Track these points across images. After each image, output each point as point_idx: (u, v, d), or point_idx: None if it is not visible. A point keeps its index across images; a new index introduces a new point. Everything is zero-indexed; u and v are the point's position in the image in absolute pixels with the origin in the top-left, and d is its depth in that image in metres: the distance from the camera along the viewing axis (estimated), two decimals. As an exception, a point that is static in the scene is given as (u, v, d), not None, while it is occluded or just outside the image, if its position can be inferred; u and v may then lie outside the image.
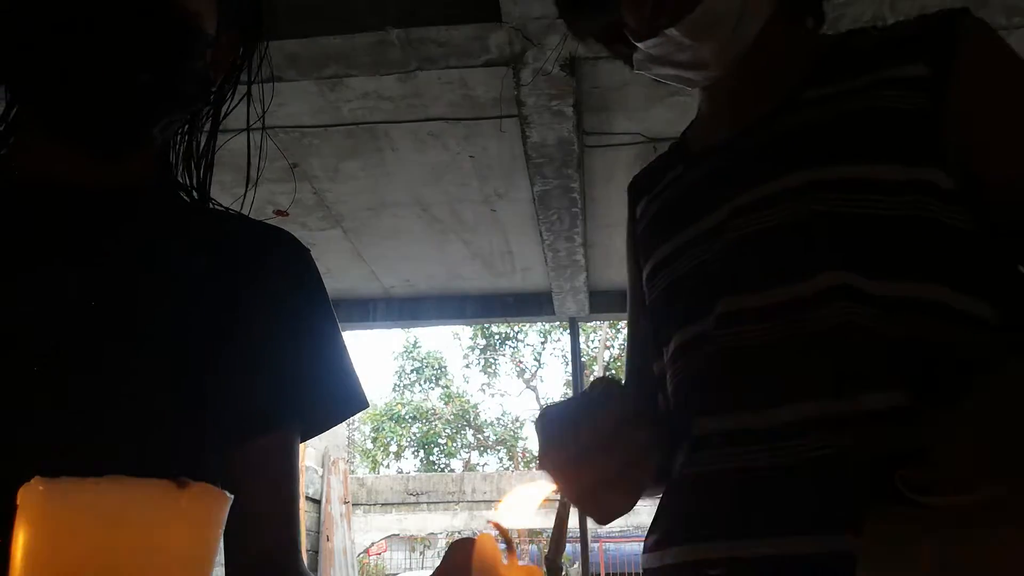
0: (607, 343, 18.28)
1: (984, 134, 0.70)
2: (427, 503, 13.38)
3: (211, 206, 0.81)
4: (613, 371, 18.06)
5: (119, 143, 0.71)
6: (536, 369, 20.27)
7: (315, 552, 9.13)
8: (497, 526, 0.44)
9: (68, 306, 0.66)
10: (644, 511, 0.84)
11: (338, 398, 0.78)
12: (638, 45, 0.80)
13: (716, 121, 0.86)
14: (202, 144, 0.82)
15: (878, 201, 0.69)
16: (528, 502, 0.47)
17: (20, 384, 0.63)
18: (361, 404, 0.79)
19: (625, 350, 1.00)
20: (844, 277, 0.68)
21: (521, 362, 20.39)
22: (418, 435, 20.07)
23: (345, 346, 0.80)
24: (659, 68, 0.82)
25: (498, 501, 0.46)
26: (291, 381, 0.74)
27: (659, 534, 0.80)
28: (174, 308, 0.70)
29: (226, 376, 0.70)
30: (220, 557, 0.71)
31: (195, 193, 0.81)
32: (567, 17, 0.89)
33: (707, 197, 0.79)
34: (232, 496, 0.39)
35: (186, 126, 0.81)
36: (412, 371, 20.80)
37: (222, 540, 0.71)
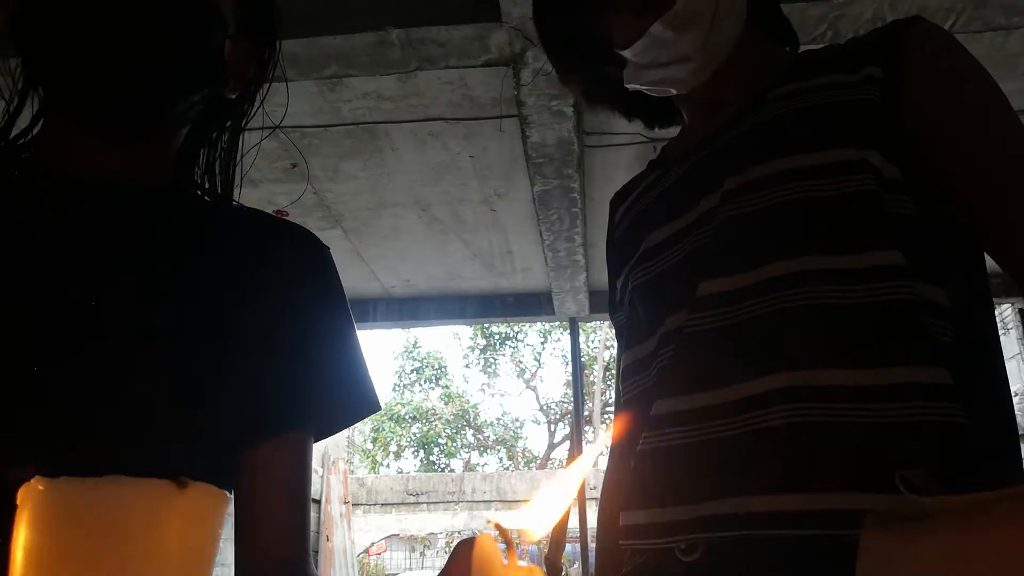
0: (607, 343, 18.28)
1: (934, 128, 0.74)
2: (427, 503, 13.37)
3: (232, 204, 0.81)
4: (613, 371, 18.06)
5: (137, 124, 0.71)
6: (536, 369, 20.28)
7: (315, 552, 9.13)
8: (497, 526, 0.44)
9: (69, 305, 0.66)
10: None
11: (351, 400, 0.78)
12: (625, 53, 0.86)
13: (692, 129, 0.93)
14: (225, 146, 0.82)
15: (836, 182, 0.73)
16: (549, 508, 0.46)
17: (20, 384, 0.63)
18: (373, 407, 0.79)
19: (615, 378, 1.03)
20: (806, 262, 0.71)
21: (521, 362, 20.40)
22: (418, 435, 20.07)
23: (360, 347, 0.79)
24: (647, 74, 0.88)
25: (520, 502, 0.45)
26: (305, 382, 0.74)
27: (625, 498, 0.83)
28: (181, 306, 0.70)
29: (237, 375, 0.70)
30: (222, 557, 0.71)
31: (217, 190, 0.81)
32: (560, 69, 0.99)
33: (698, 185, 0.83)
34: (231, 496, 0.39)
35: (213, 134, 0.82)
36: (412, 371, 20.80)
37: (232, 539, 0.71)
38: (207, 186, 0.81)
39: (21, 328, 0.65)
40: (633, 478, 0.82)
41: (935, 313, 0.71)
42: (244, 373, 0.70)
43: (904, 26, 0.78)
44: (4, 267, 0.67)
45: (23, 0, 0.66)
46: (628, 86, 0.91)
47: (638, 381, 0.87)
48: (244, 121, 0.82)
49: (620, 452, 0.99)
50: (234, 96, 0.80)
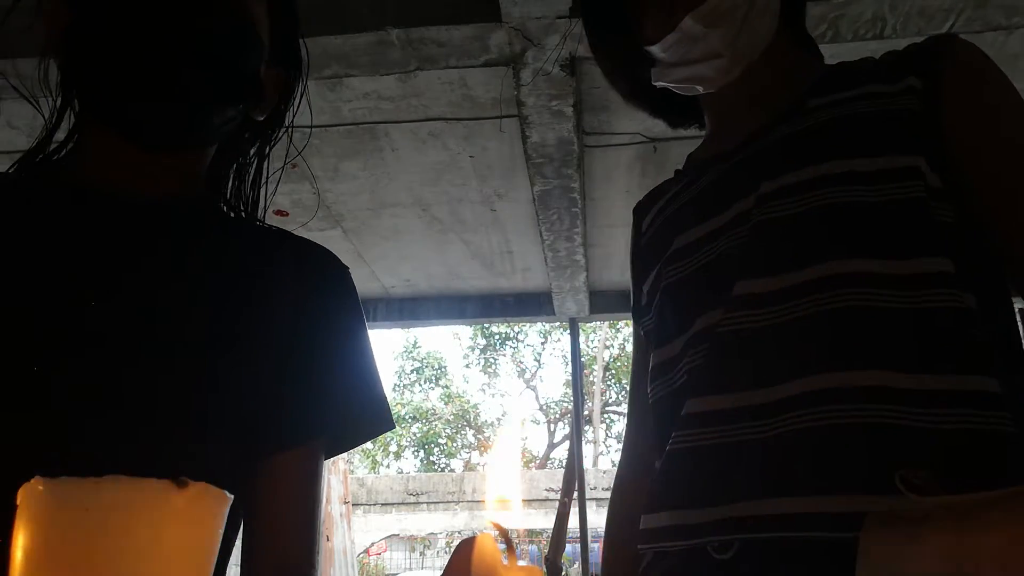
0: (607, 343, 18.28)
1: (970, 137, 0.75)
2: (427, 503, 13.37)
3: (257, 223, 0.83)
4: (613, 371, 18.06)
5: (174, 132, 0.71)
6: (536, 369, 20.27)
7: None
8: (497, 526, 0.44)
9: (69, 306, 0.67)
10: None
11: (366, 417, 0.78)
12: (656, 50, 0.87)
13: (725, 133, 0.92)
14: (253, 167, 0.85)
15: (884, 188, 0.73)
16: (508, 486, 0.46)
17: (20, 384, 0.63)
18: (387, 425, 0.80)
19: (631, 381, 1.04)
20: (854, 264, 0.71)
21: (521, 362, 20.40)
22: (418, 435, 20.06)
23: (376, 365, 0.80)
24: (677, 71, 0.88)
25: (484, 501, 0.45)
26: (321, 398, 0.74)
27: (651, 498, 0.82)
28: (183, 309, 0.70)
29: (240, 379, 0.70)
30: (236, 557, 0.71)
31: (242, 208, 0.83)
32: (605, 72, 1.00)
33: (732, 188, 0.83)
34: (231, 497, 0.39)
35: (240, 158, 0.84)
36: (412, 371, 20.78)
37: (241, 550, 0.71)
38: (233, 203, 0.83)
39: (21, 328, 0.65)
40: (660, 479, 0.81)
41: (976, 321, 0.71)
42: (248, 378, 0.70)
43: (942, 41, 0.79)
44: (7, 268, 0.67)
45: (75, 11, 0.68)
46: (656, 83, 0.92)
47: (662, 384, 0.86)
48: (269, 146, 0.84)
49: (632, 456, 0.99)
50: (262, 118, 0.82)
